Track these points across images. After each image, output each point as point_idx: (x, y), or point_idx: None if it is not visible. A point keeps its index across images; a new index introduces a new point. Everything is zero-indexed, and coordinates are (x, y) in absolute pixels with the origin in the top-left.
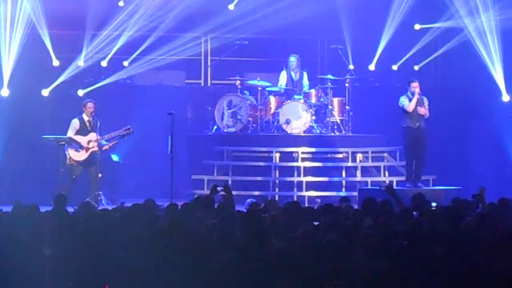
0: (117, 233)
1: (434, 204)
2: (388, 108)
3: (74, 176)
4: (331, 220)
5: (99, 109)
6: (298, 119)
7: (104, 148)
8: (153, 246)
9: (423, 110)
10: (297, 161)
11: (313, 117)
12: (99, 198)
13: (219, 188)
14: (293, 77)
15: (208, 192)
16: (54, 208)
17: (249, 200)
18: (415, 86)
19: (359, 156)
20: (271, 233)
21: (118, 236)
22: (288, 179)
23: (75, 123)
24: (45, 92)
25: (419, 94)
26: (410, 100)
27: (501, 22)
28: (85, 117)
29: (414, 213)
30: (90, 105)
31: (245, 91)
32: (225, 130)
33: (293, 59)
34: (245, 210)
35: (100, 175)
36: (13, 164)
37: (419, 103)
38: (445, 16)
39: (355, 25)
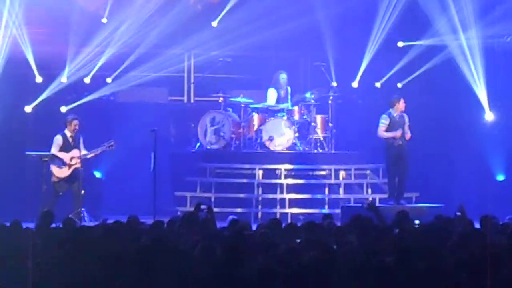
0: (99, 250)
1: (417, 222)
2: (371, 125)
3: (60, 193)
4: (314, 237)
5: (82, 126)
6: (281, 136)
7: (89, 156)
8: (136, 262)
9: (399, 134)
10: (280, 178)
11: (296, 134)
12: (81, 214)
13: (203, 206)
14: (281, 94)
15: (191, 209)
16: (38, 224)
17: (230, 217)
18: (402, 103)
19: (342, 173)
20: (253, 251)
21: (100, 253)
22: (271, 196)
23: (58, 139)
24: (28, 109)
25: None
26: (391, 119)
27: (484, 40)
28: (68, 133)
29: (395, 230)
30: (75, 122)
31: (228, 108)
32: (208, 147)
33: (284, 76)
34: (226, 227)
35: (82, 191)
36: None
37: (400, 124)
38: (428, 33)
39: (338, 43)
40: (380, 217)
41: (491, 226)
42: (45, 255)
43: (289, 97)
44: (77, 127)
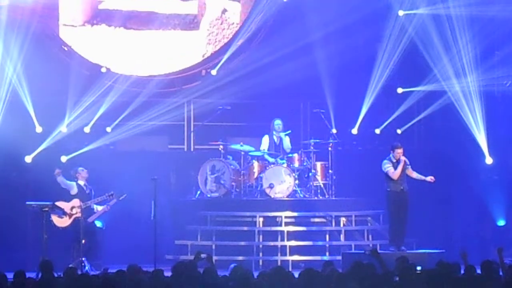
0: None
1: (419, 268)
2: (371, 171)
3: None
4: (314, 284)
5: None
6: (281, 183)
7: (90, 219)
8: None
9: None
10: (280, 225)
11: (296, 181)
12: (82, 264)
13: (203, 255)
14: (275, 141)
15: (191, 257)
16: (42, 275)
17: (232, 265)
18: (399, 152)
19: (342, 220)
20: None
21: None
22: (272, 243)
23: (73, 187)
24: (28, 159)
25: (404, 161)
26: (393, 164)
27: (483, 85)
28: (81, 183)
29: (396, 277)
30: (84, 173)
31: (228, 156)
32: (209, 195)
33: (279, 122)
34: (228, 275)
35: (83, 241)
36: None
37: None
38: (427, 79)
39: (338, 89)
40: (383, 264)
41: (492, 271)
42: None
43: (287, 143)
44: (87, 175)
